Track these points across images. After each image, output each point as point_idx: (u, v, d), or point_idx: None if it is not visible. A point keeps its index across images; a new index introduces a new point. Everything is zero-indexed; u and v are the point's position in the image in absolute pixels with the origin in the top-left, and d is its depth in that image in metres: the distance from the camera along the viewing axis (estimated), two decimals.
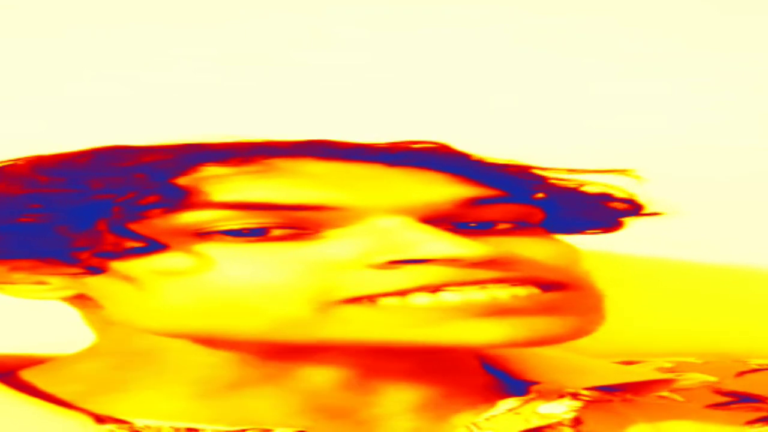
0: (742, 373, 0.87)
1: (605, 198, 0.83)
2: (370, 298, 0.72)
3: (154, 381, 0.76)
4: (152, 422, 0.74)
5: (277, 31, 1.05)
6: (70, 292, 0.76)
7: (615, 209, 0.83)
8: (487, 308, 0.72)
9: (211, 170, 0.74)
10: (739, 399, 0.84)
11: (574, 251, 0.78)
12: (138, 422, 0.74)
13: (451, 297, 0.72)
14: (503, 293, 0.73)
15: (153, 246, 0.72)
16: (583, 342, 0.78)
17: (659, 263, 1.05)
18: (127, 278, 0.73)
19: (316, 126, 0.83)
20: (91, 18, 1.04)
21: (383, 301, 0.72)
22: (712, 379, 0.86)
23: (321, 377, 0.76)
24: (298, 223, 0.73)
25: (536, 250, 0.76)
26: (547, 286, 0.74)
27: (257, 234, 0.73)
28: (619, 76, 1.07)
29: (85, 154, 0.77)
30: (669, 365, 0.89)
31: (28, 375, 0.79)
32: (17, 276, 0.76)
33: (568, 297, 0.75)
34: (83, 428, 0.73)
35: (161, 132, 0.78)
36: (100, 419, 0.74)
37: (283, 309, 0.71)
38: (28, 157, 0.78)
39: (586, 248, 0.80)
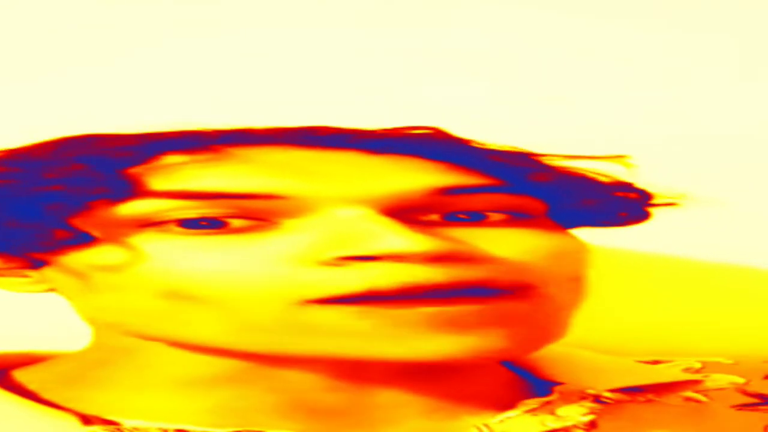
0: None
1: (617, 188, 0.79)
2: (322, 302, 0.68)
3: (136, 379, 0.74)
4: (141, 423, 0.73)
5: (252, 19, 1.04)
6: (46, 286, 0.75)
7: (631, 200, 0.79)
8: (436, 321, 0.68)
9: (170, 159, 0.72)
10: (766, 401, 0.82)
11: (575, 248, 0.75)
12: (126, 423, 0.73)
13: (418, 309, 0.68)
14: (451, 309, 0.69)
15: (82, 238, 0.70)
16: (612, 341, 0.77)
17: (691, 262, 1.03)
18: (71, 272, 0.71)
19: (295, 114, 0.80)
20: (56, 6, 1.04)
21: (334, 309, 0.68)
22: (740, 380, 0.84)
23: (310, 379, 0.73)
24: (254, 213, 0.70)
25: (516, 244, 0.72)
26: (500, 290, 0.70)
27: (215, 226, 0.69)
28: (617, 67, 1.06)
29: (44, 145, 0.75)
30: (697, 365, 0.87)
31: (19, 375, 0.78)
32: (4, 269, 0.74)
33: (517, 308, 0.70)
34: (70, 429, 0.72)
35: (124, 122, 0.77)
36: (86, 420, 0.72)
37: (239, 309, 0.68)
38: None
39: (610, 244, 0.78)
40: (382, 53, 1.04)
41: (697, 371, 0.86)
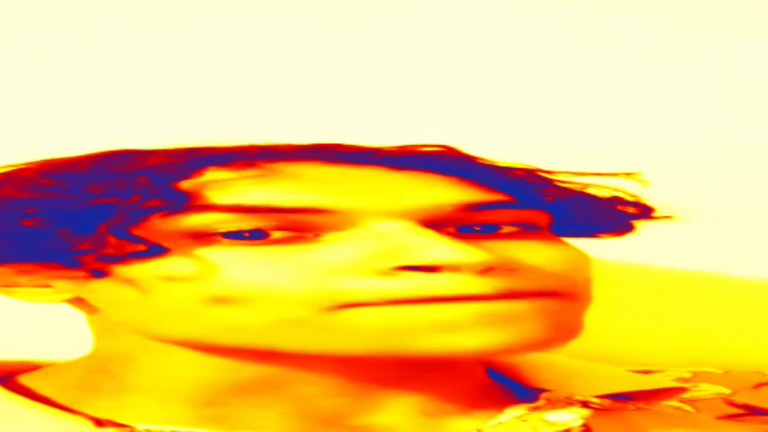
0: (759, 386, 0.86)
1: (615, 201, 0.82)
2: (366, 306, 0.72)
3: (147, 386, 0.77)
4: (153, 426, 0.75)
5: (285, 34, 1.06)
6: (71, 295, 0.77)
7: (625, 212, 0.82)
8: (482, 318, 0.72)
9: (213, 174, 0.75)
10: (751, 411, 0.83)
11: (581, 256, 0.78)
12: (139, 426, 0.75)
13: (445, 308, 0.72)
14: (499, 306, 0.72)
15: (154, 250, 0.72)
16: (602, 350, 0.78)
17: (683, 273, 1.04)
18: (129, 282, 0.73)
19: (324, 130, 0.83)
20: (98, 22, 1.06)
21: (380, 309, 0.72)
22: (726, 390, 0.85)
23: (317, 384, 0.76)
24: (298, 226, 0.73)
25: (539, 254, 0.75)
26: (540, 295, 0.74)
27: (257, 237, 0.73)
28: (626, 77, 1.07)
29: (90, 158, 0.77)
30: (688, 375, 0.88)
31: (26, 379, 0.79)
32: (22, 279, 0.76)
33: (555, 305, 0.74)
34: None
35: (166, 136, 0.79)
36: (99, 423, 0.75)
37: (281, 312, 0.71)
38: (34, 161, 0.78)
39: (606, 256, 0.80)
40: (392, 65, 1.07)
41: (686, 381, 0.87)
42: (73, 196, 0.73)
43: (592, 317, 0.79)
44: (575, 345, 0.79)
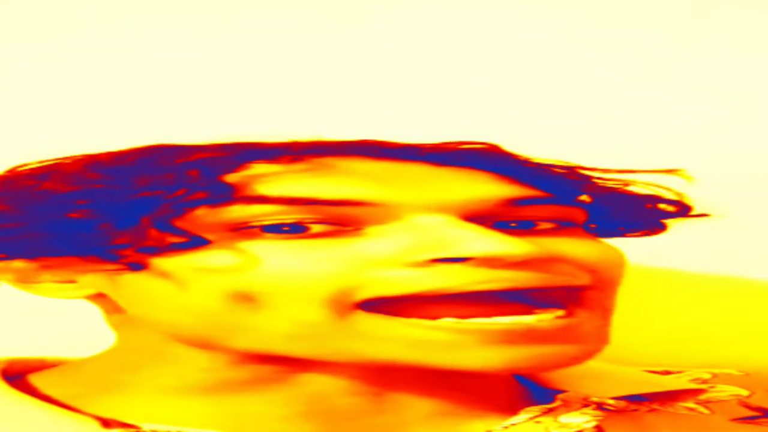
0: None
1: (651, 199, 0.82)
2: (397, 310, 0.72)
3: (160, 383, 0.77)
4: (160, 426, 0.75)
5: (324, 28, 1.07)
6: (93, 291, 0.77)
7: (661, 211, 0.82)
8: (506, 334, 0.73)
9: (259, 168, 0.75)
10: (766, 414, 0.83)
11: (616, 253, 0.78)
12: (145, 426, 0.75)
13: (476, 321, 0.73)
14: (530, 318, 0.73)
15: (195, 241, 0.72)
16: (621, 351, 0.79)
17: (708, 275, 1.04)
18: (166, 275, 0.73)
19: (364, 126, 0.83)
20: (143, 17, 1.07)
21: (412, 320, 0.72)
22: (744, 392, 0.85)
23: (328, 382, 0.76)
24: (339, 219, 0.73)
25: (576, 250, 0.76)
26: (573, 293, 0.75)
27: (297, 231, 0.73)
28: (667, 77, 1.07)
29: (136, 152, 0.77)
30: (706, 376, 0.88)
31: (35, 379, 0.80)
32: (47, 275, 0.76)
33: (581, 322, 0.75)
34: None
35: (212, 131, 0.79)
36: (106, 423, 0.75)
37: (308, 307, 0.72)
38: (80, 155, 0.79)
39: (634, 259, 0.81)
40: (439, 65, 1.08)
41: (705, 382, 0.87)
42: (118, 188, 0.73)
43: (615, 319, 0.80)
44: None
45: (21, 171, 0.78)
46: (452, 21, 1.07)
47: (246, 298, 0.72)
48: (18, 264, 0.77)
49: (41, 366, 0.82)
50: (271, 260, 0.72)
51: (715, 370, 0.90)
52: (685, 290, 1.05)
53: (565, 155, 0.82)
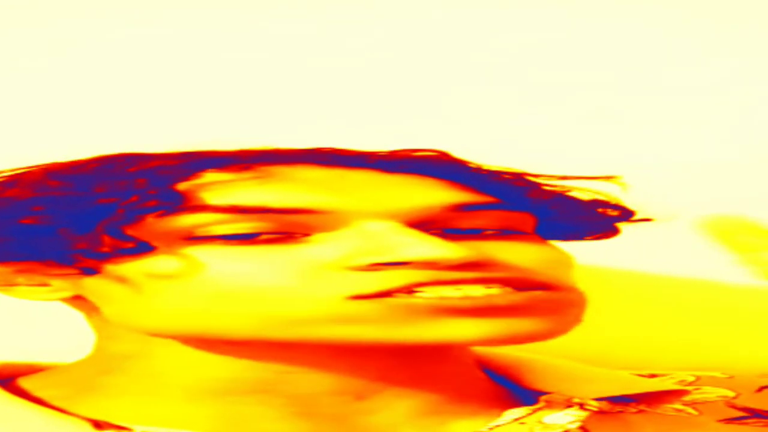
0: (761, 389, 0.86)
1: (597, 204, 0.83)
2: (350, 300, 0.73)
3: (146, 385, 0.77)
4: (151, 429, 0.76)
5: (280, 37, 1.07)
6: (68, 294, 0.78)
7: (608, 215, 0.84)
8: (461, 307, 0.73)
9: (211, 176, 0.76)
10: (753, 415, 0.83)
11: (564, 257, 0.79)
12: (137, 429, 0.76)
13: (426, 295, 0.73)
14: (478, 292, 0.74)
15: (142, 247, 0.74)
16: (605, 353, 0.78)
17: (688, 279, 1.04)
18: (121, 279, 0.75)
19: (319, 134, 0.85)
20: (96, 26, 1.07)
21: (362, 302, 0.73)
22: (729, 393, 0.85)
23: (315, 382, 0.77)
24: (289, 227, 0.75)
25: (519, 254, 0.77)
26: (522, 287, 0.75)
27: (247, 237, 0.74)
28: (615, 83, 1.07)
29: (96, 161, 0.79)
30: (691, 379, 0.88)
31: (27, 382, 0.80)
32: (21, 278, 0.78)
33: (541, 297, 0.75)
34: None
35: (168, 139, 0.81)
36: (98, 425, 0.76)
37: (267, 308, 0.73)
38: (43, 164, 0.80)
39: (598, 260, 0.81)
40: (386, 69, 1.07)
41: (690, 384, 0.87)
42: (76, 195, 0.75)
43: (596, 322, 0.80)
44: (578, 349, 0.80)
45: None
46: (400, 28, 1.08)
47: (200, 301, 0.74)
48: None
49: (31, 370, 0.83)
50: (223, 265, 0.74)
51: (700, 373, 0.89)
52: (666, 293, 1.05)
53: (512, 161, 0.83)
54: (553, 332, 0.76)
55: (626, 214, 0.84)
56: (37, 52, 1.07)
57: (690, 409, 0.82)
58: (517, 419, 0.79)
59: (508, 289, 0.75)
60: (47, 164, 0.80)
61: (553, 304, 0.76)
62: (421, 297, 0.73)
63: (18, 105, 1.06)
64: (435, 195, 0.77)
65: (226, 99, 1.07)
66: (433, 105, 1.07)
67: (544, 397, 0.81)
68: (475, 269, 0.74)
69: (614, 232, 0.86)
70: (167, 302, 0.74)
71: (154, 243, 0.74)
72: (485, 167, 0.82)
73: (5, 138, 1.05)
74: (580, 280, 0.80)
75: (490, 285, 0.74)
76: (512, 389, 0.83)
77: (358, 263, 0.74)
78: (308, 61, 1.08)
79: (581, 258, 0.81)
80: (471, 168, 0.81)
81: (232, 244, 0.74)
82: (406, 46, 1.08)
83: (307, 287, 0.73)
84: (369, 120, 1.07)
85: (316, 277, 0.74)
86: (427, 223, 0.76)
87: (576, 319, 0.78)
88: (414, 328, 0.73)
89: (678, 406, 0.83)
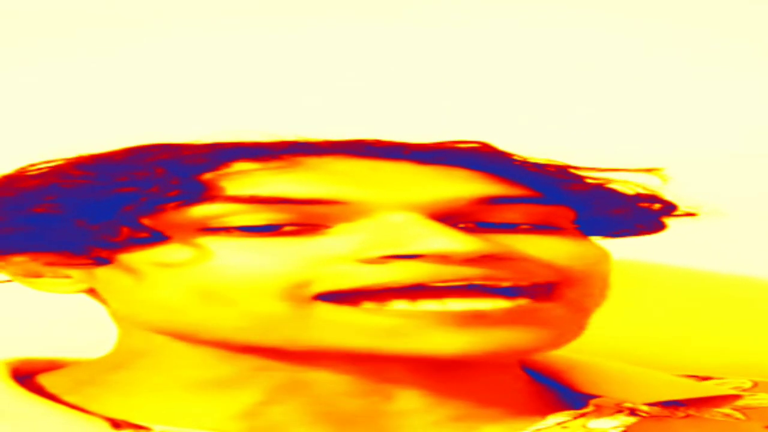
0: None
1: (643, 198, 0.82)
2: (352, 298, 0.72)
3: (162, 381, 0.77)
4: (170, 428, 0.75)
5: (312, 32, 1.07)
6: (86, 285, 0.78)
7: (650, 209, 0.82)
8: (461, 318, 0.72)
9: (239, 166, 0.75)
10: None
11: (599, 253, 0.78)
12: (156, 428, 0.75)
13: (429, 306, 0.72)
14: (487, 304, 0.73)
15: (156, 237, 0.73)
16: (656, 354, 0.77)
17: (743, 278, 1.02)
18: (128, 269, 0.74)
19: (366, 127, 0.84)
20: (123, 17, 1.08)
21: (364, 305, 0.72)
22: None
23: (333, 382, 0.76)
24: (308, 218, 0.74)
25: (549, 249, 0.75)
26: (535, 289, 0.74)
27: (269, 230, 0.73)
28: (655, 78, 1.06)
29: (123, 152, 0.78)
30: (748, 384, 0.86)
31: (45, 379, 0.80)
32: (45, 270, 0.77)
33: (546, 308, 0.74)
34: None
35: (200, 129, 0.80)
36: (116, 424, 0.75)
37: (262, 300, 0.72)
38: (73, 156, 0.80)
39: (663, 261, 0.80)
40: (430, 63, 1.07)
41: (746, 390, 0.85)
42: (97, 185, 0.74)
43: (649, 323, 0.79)
44: (631, 352, 0.79)
45: (23, 173, 0.79)
46: (437, 19, 1.07)
47: (201, 294, 0.73)
48: (19, 259, 0.78)
49: (51, 366, 0.83)
50: (227, 257, 0.72)
51: (757, 378, 0.87)
52: (722, 295, 1.04)
53: (553, 154, 0.82)
54: (552, 345, 0.75)
55: (669, 209, 0.82)
56: (61, 42, 1.08)
57: (738, 414, 0.81)
58: (560, 423, 0.78)
59: (520, 301, 0.73)
60: (76, 156, 0.79)
61: (557, 314, 0.74)
62: (424, 307, 0.72)
63: (47, 97, 1.07)
64: (465, 187, 0.76)
65: (260, 91, 1.07)
66: (473, 97, 1.07)
67: (593, 401, 0.80)
68: (485, 265, 0.73)
69: (660, 227, 0.84)
70: (168, 293, 0.73)
71: (169, 233, 0.73)
72: (526, 159, 0.80)
73: (36, 130, 1.06)
74: (624, 277, 0.79)
75: (499, 287, 0.73)
76: (561, 392, 0.82)
77: (368, 255, 0.72)
78: (344, 53, 1.07)
79: (625, 254, 0.81)
80: (510, 160, 0.80)
81: (250, 236, 0.73)
82: (449, 38, 1.07)
83: (319, 280, 0.72)
84: (415, 113, 1.06)
85: (321, 268, 0.72)
86: (455, 216, 0.74)
87: (577, 331, 0.76)
88: (413, 339, 0.72)
89: (727, 410, 0.81)
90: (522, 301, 0.74)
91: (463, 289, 0.73)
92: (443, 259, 0.72)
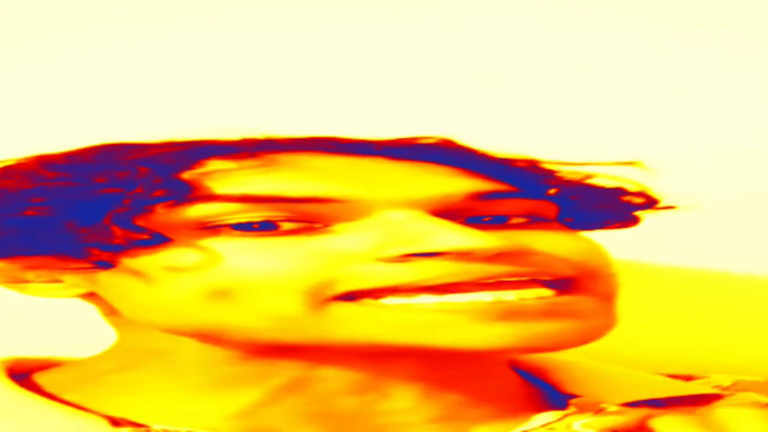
0: None
1: (619, 192, 0.82)
2: (375, 294, 0.73)
3: (164, 381, 0.77)
4: (169, 427, 0.75)
5: (280, 26, 1.07)
6: (83, 290, 0.77)
7: (629, 203, 0.82)
8: (493, 312, 0.72)
9: (215, 165, 0.75)
10: None
11: (596, 246, 0.78)
12: (155, 426, 0.75)
13: (456, 299, 0.73)
14: (510, 295, 0.73)
15: (157, 239, 0.72)
16: (640, 354, 0.77)
17: (730, 275, 1.03)
18: (136, 273, 0.74)
19: (318, 122, 0.84)
20: (100, 20, 1.07)
21: (387, 299, 0.73)
22: (764, 399, 0.83)
23: (333, 381, 0.76)
24: (307, 216, 0.74)
25: (551, 243, 0.75)
26: (558, 282, 0.74)
27: (267, 228, 0.73)
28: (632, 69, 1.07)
29: (89, 151, 0.78)
30: (728, 383, 0.87)
31: (41, 378, 0.80)
32: (31, 274, 0.77)
33: (576, 300, 0.74)
34: (99, 431, 0.74)
35: (165, 128, 0.80)
36: (115, 422, 0.75)
37: (283, 302, 0.72)
38: (34, 155, 0.79)
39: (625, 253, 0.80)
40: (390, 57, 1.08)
41: (726, 389, 0.86)
42: (78, 186, 0.74)
43: (632, 322, 0.79)
44: (610, 350, 0.79)
45: None
46: (407, 14, 1.08)
47: (217, 296, 0.73)
48: (1, 265, 0.77)
49: (47, 365, 0.82)
50: (241, 258, 0.72)
51: (740, 377, 0.88)
52: (706, 291, 1.04)
53: (522, 149, 0.82)
54: (585, 339, 0.75)
55: (650, 202, 0.82)
56: (33, 42, 1.07)
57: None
58: (545, 425, 0.79)
59: (542, 290, 0.73)
60: (41, 154, 0.78)
61: (586, 307, 0.74)
62: (451, 300, 0.72)
63: (12, 96, 1.07)
64: (455, 183, 0.76)
65: (223, 88, 1.07)
66: (437, 93, 1.07)
67: (573, 401, 0.81)
68: (508, 261, 0.73)
69: (634, 221, 0.84)
70: (181, 296, 0.73)
71: (168, 234, 0.73)
72: (495, 154, 0.81)
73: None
74: (624, 277, 0.79)
75: (524, 285, 0.73)
76: (546, 390, 0.83)
77: (388, 254, 0.73)
78: (308, 51, 1.07)
79: (621, 254, 0.81)
80: (480, 155, 0.80)
81: (250, 236, 0.73)
82: (405, 34, 1.08)
83: (342, 280, 0.72)
84: (371, 109, 1.06)
85: (341, 268, 0.72)
86: (449, 212, 0.75)
87: (609, 322, 0.76)
88: (441, 333, 0.72)
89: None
90: (549, 292, 0.74)
91: (489, 284, 0.73)
92: (465, 256, 0.72)
